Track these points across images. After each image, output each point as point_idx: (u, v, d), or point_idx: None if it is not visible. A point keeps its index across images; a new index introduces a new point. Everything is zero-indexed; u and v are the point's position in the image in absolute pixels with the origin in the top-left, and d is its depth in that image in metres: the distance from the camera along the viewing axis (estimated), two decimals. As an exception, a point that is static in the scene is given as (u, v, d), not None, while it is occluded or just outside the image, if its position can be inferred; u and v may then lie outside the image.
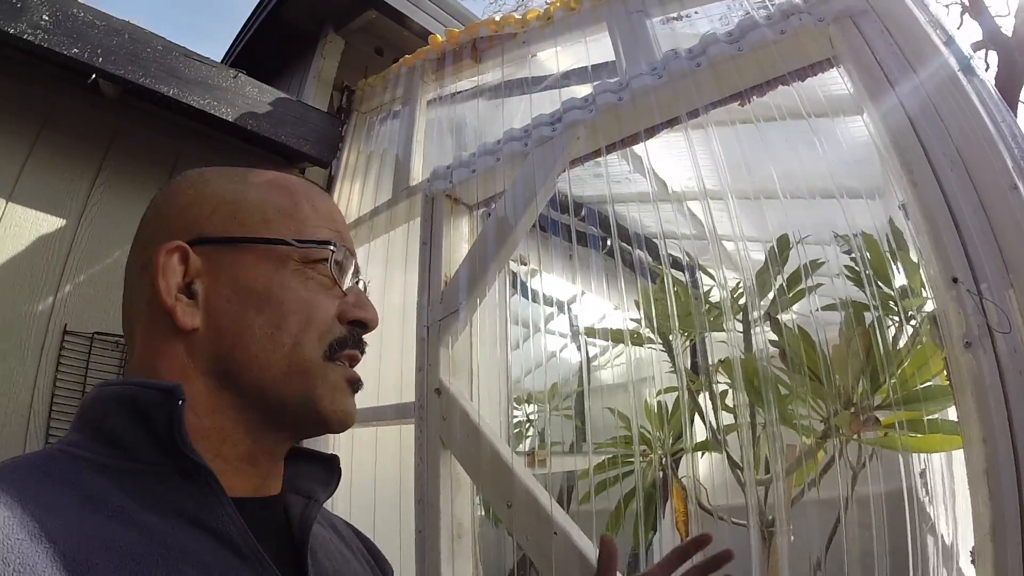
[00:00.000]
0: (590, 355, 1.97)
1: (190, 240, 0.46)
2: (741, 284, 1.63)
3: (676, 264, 1.82)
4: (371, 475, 1.57)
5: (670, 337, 1.66)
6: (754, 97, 1.23)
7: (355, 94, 2.18)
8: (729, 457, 1.61)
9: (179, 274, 0.45)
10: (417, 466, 1.40)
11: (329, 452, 0.56)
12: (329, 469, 0.55)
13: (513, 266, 2.14)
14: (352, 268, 0.51)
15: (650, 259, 1.79)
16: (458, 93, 1.76)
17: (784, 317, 1.54)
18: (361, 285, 0.53)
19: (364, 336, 0.51)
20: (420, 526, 1.38)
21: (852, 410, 1.30)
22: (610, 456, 1.73)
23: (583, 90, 1.43)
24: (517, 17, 1.67)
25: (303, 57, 2.38)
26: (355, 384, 0.49)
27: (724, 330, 1.63)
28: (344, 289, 0.50)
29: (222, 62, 2.76)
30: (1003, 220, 0.96)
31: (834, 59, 1.18)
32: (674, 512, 1.64)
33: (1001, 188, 0.98)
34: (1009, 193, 0.98)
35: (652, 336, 1.69)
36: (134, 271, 0.48)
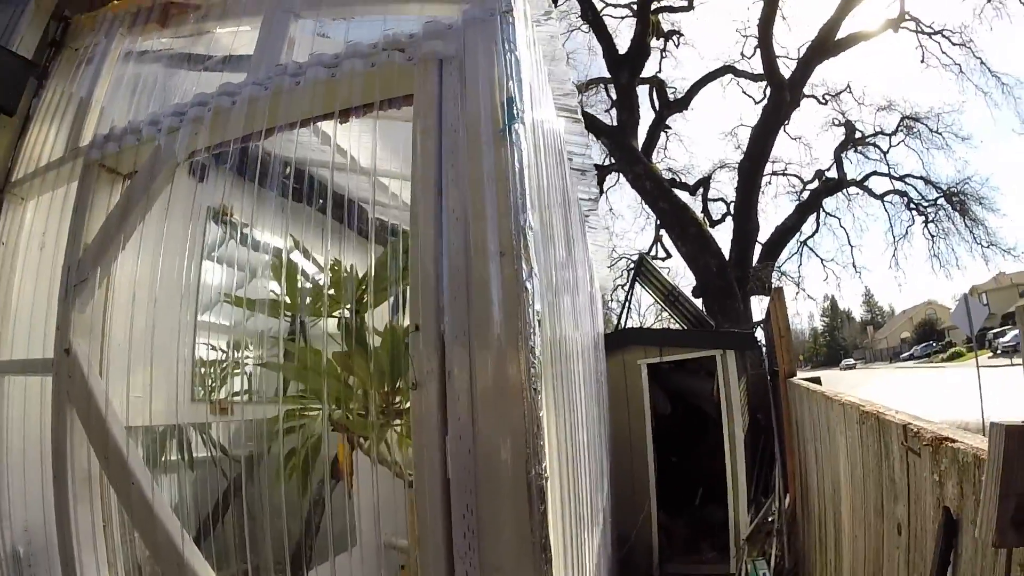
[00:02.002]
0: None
1: None
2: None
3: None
4: (21, 429, 1.66)
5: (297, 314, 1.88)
6: (352, 117, 1.40)
7: (70, 27, 2.07)
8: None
9: None
10: (52, 418, 1.53)
11: None
12: None
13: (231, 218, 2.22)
14: None
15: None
16: (144, 53, 1.76)
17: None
18: None
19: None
20: (54, 471, 1.53)
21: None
22: (289, 409, 1.95)
23: (236, 77, 1.52)
24: (204, -11, 1.69)
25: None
26: None
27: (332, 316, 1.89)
28: None
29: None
30: (483, 281, 1.13)
31: (413, 96, 1.36)
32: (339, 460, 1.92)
33: (488, 254, 1.16)
34: (494, 259, 1.15)
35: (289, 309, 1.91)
36: None
